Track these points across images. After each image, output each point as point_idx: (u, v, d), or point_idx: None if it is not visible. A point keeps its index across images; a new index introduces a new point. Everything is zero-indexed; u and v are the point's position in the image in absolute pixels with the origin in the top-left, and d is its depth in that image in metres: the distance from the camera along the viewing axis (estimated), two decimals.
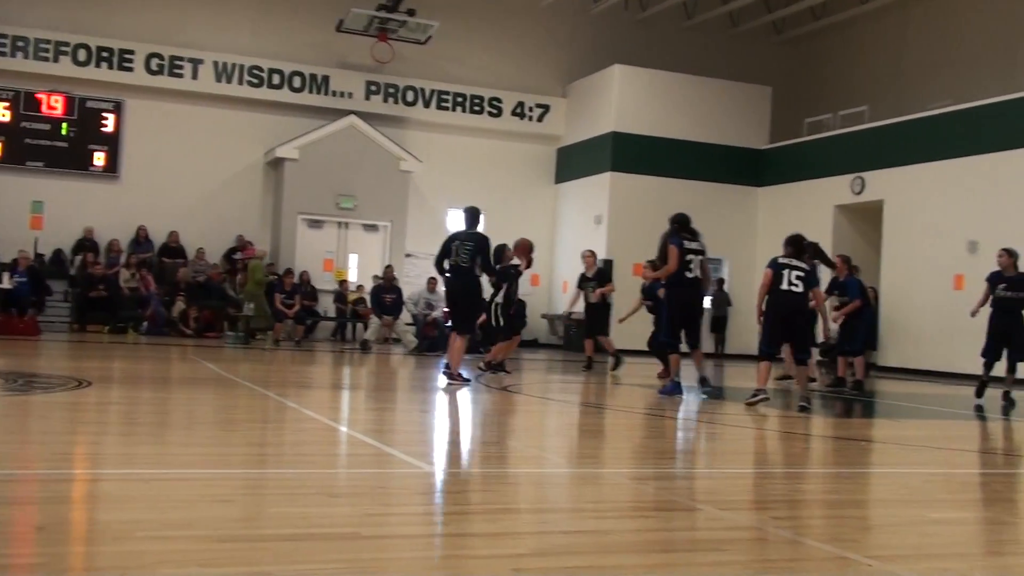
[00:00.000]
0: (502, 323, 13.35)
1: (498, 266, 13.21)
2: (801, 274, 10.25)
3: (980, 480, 6.70)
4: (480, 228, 11.77)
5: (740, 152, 24.42)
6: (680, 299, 11.31)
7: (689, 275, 11.22)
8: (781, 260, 10.35)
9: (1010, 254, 12.72)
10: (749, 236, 24.26)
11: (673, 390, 11.19)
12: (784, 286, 10.16)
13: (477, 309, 11.97)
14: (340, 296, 22.03)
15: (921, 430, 9.89)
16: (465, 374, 11.64)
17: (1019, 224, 17.43)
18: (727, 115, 24.34)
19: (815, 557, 4.04)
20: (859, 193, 21.73)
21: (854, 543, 4.35)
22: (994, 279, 12.78)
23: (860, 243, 21.58)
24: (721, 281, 23.80)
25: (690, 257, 11.21)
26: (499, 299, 13.29)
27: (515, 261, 13.48)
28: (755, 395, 10.21)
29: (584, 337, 16.25)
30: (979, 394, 12.88)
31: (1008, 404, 12.32)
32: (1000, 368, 12.90)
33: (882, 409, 12.39)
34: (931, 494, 5.95)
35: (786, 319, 10.24)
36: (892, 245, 20.91)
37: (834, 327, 13.41)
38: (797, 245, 10.55)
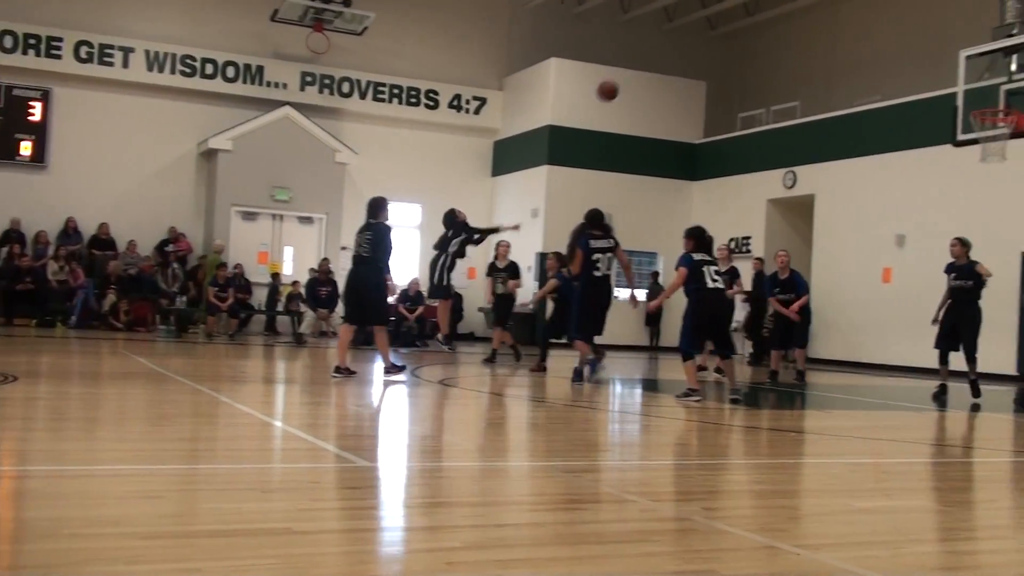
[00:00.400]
0: (445, 281, 13.43)
1: (452, 229, 13.78)
2: (718, 268, 10.37)
3: (907, 469, 6.85)
4: (389, 218, 11.19)
5: (675, 146, 24.65)
6: (591, 297, 11.72)
7: (597, 273, 11.52)
8: (696, 258, 10.32)
9: (963, 243, 12.25)
10: (684, 230, 24.41)
11: (594, 367, 11.80)
12: (710, 284, 10.16)
13: (384, 298, 11.53)
14: (274, 289, 21.81)
15: (851, 420, 10.07)
16: (398, 363, 11.61)
17: (945, 218, 17.84)
18: (662, 109, 24.56)
19: (744, 547, 4.11)
20: (791, 187, 22.08)
21: (782, 532, 4.43)
22: (948, 270, 12.38)
23: (792, 237, 21.94)
24: (656, 275, 23.99)
25: (597, 256, 11.45)
26: (452, 247, 13.44)
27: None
28: (688, 394, 10.12)
29: (493, 326, 16.17)
30: (941, 394, 12.09)
31: (976, 393, 12.00)
32: (961, 362, 12.34)
33: (814, 400, 12.59)
34: (858, 483, 6.08)
35: (715, 317, 10.33)
36: (823, 239, 21.27)
37: (742, 317, 13.63)
38: (701, 238, 10.53)
